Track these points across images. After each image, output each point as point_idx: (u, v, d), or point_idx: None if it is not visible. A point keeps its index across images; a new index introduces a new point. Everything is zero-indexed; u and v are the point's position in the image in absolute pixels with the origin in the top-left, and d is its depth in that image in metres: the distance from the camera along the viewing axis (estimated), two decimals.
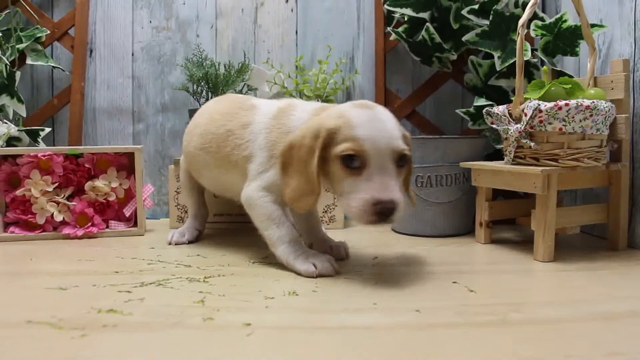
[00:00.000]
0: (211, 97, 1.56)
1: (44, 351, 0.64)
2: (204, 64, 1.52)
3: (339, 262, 1.07)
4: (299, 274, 0.99)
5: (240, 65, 1.54)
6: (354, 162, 0.89)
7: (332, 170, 0.92)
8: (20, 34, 1.50)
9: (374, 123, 0.91)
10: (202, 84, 1.52)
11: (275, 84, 1.60)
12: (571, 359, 0.62)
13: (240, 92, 1.58)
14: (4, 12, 1.47)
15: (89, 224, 1.37)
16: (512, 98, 1.40)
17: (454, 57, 1.49)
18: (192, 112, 1.54)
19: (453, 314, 0.78)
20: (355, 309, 0.80)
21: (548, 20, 1.35)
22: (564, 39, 1.34)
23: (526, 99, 1.14)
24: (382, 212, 0.86)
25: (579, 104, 1.05)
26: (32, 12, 1.55)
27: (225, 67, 1.54)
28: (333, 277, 0.98)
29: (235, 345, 0.66)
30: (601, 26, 1.28)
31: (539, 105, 1.07)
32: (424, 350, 0.65)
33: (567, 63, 1.51)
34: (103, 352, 0.64)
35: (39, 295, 0.86)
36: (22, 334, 0.70)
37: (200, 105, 1.57)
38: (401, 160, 0.93)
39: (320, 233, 1.20)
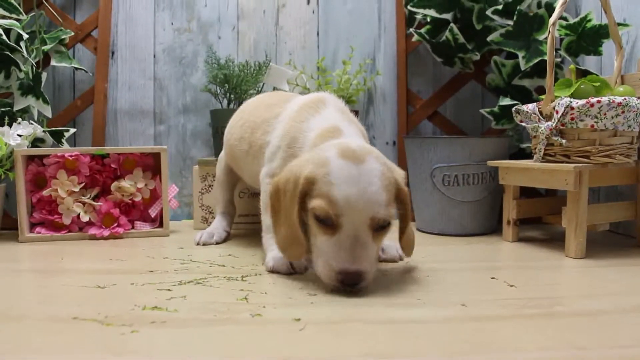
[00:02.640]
0: (232, 98, 1.56)
1: (98, 345, 0.64)
2: (227, 64, 1.53)
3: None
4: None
5: (258, 64, 1.54)
6: (327, 221, 0.83)
7: (308, 221, 0.87)
8: (45, 35, 1.50)
9: (356, 184, 0.82)
10: (225, 85, 1.52)
11: (297, 84, 1.60)
12: (628, 348, 0.63)
13: (260, 91, 1.59)
14: (29, 15, 1.47)
15: (115, 224, 1.37)
16: (536, 97, 1.41)
17: (477, 57, 1.49)
18: (213, 113, 1.55)
19: (499, 307, 0.78)
20: (401, 304, 0.80)
21: (571, 20, 1.36)
22: (587, 39, 1.34)
23: (556, 97, 1.15)
24: (345, 283, 0.82)
25: (611, 100, 1.06)
26: (56, 15, 1.55)
27: (243, 67, 1.54)
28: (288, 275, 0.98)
29: (291, 339, 0.66)
30: (625, 25, 1.30)
31: (571, 102, 1.08)
32: (476, 340, 0.65)
33: (588, 62, 1.52)
34: (161, 347, 0.64)
35: (78, 293, 0.87)
36: (72, 328, 0.70)
37: (222, 106, 1.58)
38: (381, 226, 0.85)
39: None
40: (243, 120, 1.21)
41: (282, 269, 0.98)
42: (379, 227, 0.84)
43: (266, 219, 1.06)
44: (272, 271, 1.00)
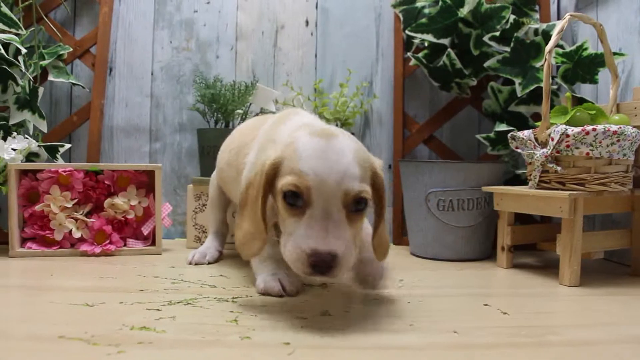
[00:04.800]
0: (220, 118, 1.56)
1: None
2: (215, 84, 1.53)
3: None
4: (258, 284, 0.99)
5: (245, 85, 1.54)
6: (296, 201, 0.77)
7: (277, 207, 0.81)
8: (43, 51, 1.51)
9: (324, 156, 0.76)
10: (213, 105, 1.52)
11: (294, 105, 1.61)
12: None
13: (247, 112, 1.59)
14: (29, 30, 1.47)
15: (107, 241, 1.36)
16: (532, 124, 1.42)
17: (474, 83, 1.50)
18: (200, 132, 1.55)
19: (491, 335, 0.77)
20: (392, 330, 0.79)
21: (567, 48, 1.37)
22: (583, 67, 1.35)
23: (552, 124, 1.15)
24: (317, 265, 0.73)
25: (607, 129, 1.06)
26: (56, 30, 1.56)
27: (231, 87, 1.54)
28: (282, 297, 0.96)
29: None
30: (621, 54, 1.30)
31: (566, 129, 1.08)
32: None
33: (584, 90, 1.53)
34: None
35: (66, 311, 0.85)
36: (57, 348, 0.69)
37: (209, 125, 1.58)
38: (357, 205, 0.78)
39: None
40: (234, 144, 1.19)
41: (274, 291, 0.97)
42: (354, 207, 0.77)
43: None
44: (263, 293, 0.98)
